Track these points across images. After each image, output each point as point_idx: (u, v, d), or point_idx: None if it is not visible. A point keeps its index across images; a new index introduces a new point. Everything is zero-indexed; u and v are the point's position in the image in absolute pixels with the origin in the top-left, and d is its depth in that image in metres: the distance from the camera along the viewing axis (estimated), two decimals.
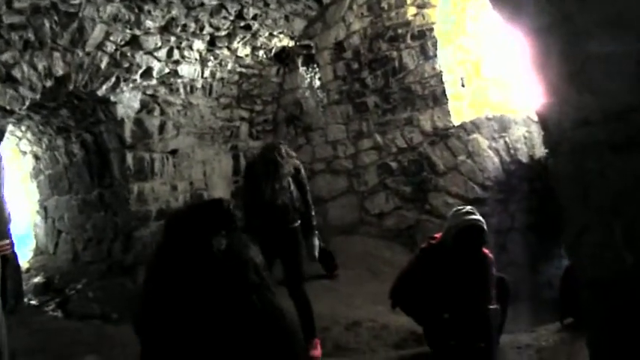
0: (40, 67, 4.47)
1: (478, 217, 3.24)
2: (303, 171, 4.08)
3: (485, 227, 3.22)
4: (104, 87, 5.28)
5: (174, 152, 6.32)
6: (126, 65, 5.21)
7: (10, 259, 3.35)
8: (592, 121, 1.33)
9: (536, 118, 2.98)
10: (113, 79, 5.28)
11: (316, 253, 4.08)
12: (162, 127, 6.13)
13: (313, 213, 4.08)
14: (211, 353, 2.47)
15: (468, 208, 3.36)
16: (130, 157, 5.82)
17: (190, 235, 2.69)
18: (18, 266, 4.85)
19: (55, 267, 6.82)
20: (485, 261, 3.29)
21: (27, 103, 4.61)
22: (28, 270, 6.81)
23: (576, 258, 1.55)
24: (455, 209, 3.43)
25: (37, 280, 6.38)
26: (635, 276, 1.24)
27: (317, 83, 7.20)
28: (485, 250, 3.32)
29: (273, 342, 2.58)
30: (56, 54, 4.55)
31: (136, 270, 5.48)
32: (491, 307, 3.21)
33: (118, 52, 5.02)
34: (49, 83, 4.63)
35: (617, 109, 1.25)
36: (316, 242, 4.04)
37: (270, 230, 3.86)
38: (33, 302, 5.64)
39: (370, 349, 3.89)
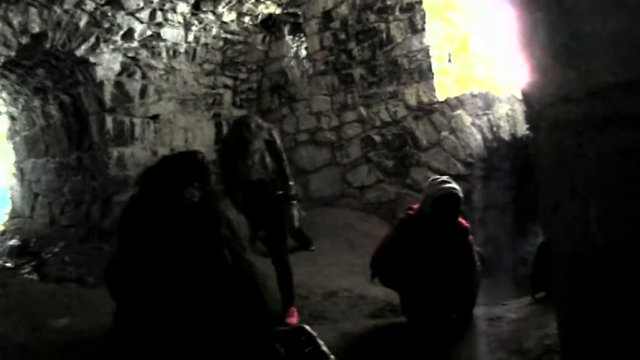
0: (15, 22, 4.31)
1: (454, 185, 3.26)
2: (278, 141, 3.98)
3: (461, 195, 3.24)
4: (83, 47, 5.13)
5: (155, 117, 6.22)
6: (106, 25, 5.05)
7: None
8: (572, 98, 1.33)
9: (520, 97, 2.99)
10: (92, 40, 5.13)
11: (297, 223, 4.06)
12: (143, 92, 6.01)
13: (292, 183, 4.02)
14: (183, 305, 2.47)
15: (444, 177, 3.37)
16: (109, 121, 5.72)
17: (162, 185, 2.67)
18: None
19: (32, 230, 6.74)
20: (462, 230, 3.33)
21: (1, 60, 4.47)
22: (3, 232, 6.73)
23: (549, 234, 1.57)
24: (431, 179, 3.44)
25: (12, 242, 6.30)
26: (603, 254, 1.25)
27: (303, 53, 7.09)
28: (462, 220, 3.36)
29: (245, 296, 2.60)
30: (32, 10, 4.39)
31: (114, 235, 5.43)
32: (466, 277, 3.27)
33: (98, 11, 4.86)
34: (24, 40, 4.48)
35: (599, 87, 1.24)
36: (295, 212, 3.99)
37: (252, 204, 3.85)
38: (8, 264, 5.58)
39: (346, 318, 3.95)
